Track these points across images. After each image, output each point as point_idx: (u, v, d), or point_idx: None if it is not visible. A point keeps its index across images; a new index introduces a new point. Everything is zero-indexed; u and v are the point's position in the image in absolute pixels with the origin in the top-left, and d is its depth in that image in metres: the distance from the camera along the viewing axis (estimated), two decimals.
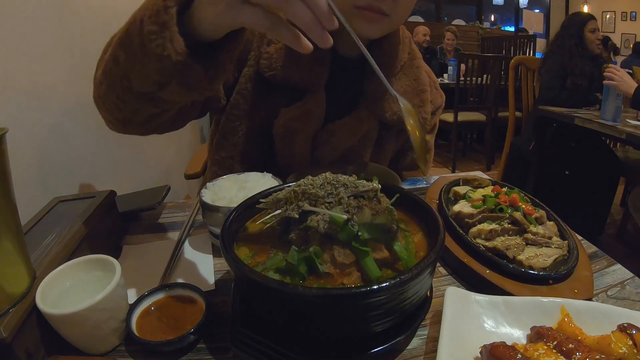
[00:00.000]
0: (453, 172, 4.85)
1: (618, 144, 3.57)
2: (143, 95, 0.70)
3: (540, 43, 6.94)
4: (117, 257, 0.80)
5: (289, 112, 1.01)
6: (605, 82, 2.59)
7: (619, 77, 2.52)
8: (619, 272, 0.79)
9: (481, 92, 4.88)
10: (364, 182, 0.62)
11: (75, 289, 0.63)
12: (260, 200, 0.63)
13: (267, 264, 0.55)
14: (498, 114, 4.80)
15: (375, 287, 0.45)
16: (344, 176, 0.62)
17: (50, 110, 1.07)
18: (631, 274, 0.78)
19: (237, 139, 1.07)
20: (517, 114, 3.84)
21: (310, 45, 0.56)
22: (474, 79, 4.72)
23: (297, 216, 0.57)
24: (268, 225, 0.61)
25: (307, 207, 0.56)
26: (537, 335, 0.56)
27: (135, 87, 0.69)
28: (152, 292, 0.66)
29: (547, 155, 3.19)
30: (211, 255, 0.82)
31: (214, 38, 0.63)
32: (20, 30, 0.95)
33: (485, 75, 4.79)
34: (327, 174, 0.62)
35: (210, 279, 0.75)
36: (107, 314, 0.58)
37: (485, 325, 0.60)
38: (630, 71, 4.45)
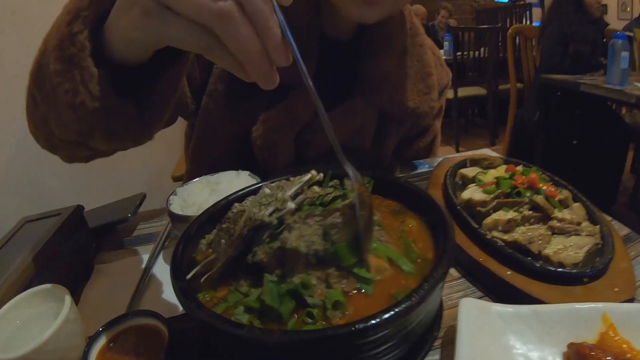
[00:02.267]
0: (457, 150, 4.76)
1: (624, 109, 3.47)
2: (70, 142, 0.58)
3: (537, 12, 6.86)
4: (87, 279, 0.74)
5: (269, 119, 0.87)
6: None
7: None
8: None
9: (479, 65, 4.79)
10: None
11: (27, 327, 0.55)
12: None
13: (229, 300, 0.44)
14: (498, 87, 4.72)
15: (365, 324, 0.34)
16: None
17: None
18: None
19: (213, 149, 0.95)
20: (518, 85, 3.74)
21: (275, 80, 0.42)
22: (471, 52, 4.63)
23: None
24: (207, 275, 0.48)
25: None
26: (577, 355, 0.45)
27: (57, 135, 0.56)
28: (110, 324, 0.55)
29: (553, 125, 3.08)
30: None
31: (140, 62, 0.49)
32: None
33: (482, 48, 4.68)
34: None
35: None
36: (56, 355, 0.50)
37: (511, 344, 0.48)
38: (631, 34, 4.37)
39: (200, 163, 0.98)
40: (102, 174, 0.95)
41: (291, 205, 0.44)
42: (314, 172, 0.52)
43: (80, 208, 0.83)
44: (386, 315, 0.35)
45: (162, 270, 0.74)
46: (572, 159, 3.02)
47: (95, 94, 0.46)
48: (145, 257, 0.77)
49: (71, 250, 0.75)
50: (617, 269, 0.59)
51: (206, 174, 0.82)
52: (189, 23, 0.37)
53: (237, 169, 0.82)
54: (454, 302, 0.53)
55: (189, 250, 0.50)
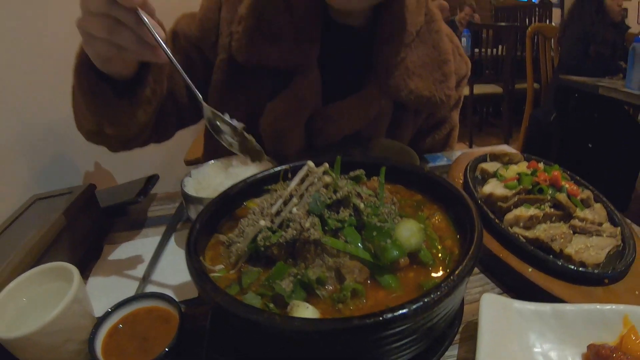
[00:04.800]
0: (470, 147, 4.72)
1: None
2: (92, 132, 0.82)
3: (556, 12, 6.78)
4: (96, 259, 0.74)
5: (275, 107, 0.87)
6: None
7: None
8: None
9: (496, 64, 4.73)
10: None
11: (35, 305, 0.54)
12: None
13: (243, 282, 0.42)
14: (515, 86, 4.66)
15: (393, 314, 0.32)
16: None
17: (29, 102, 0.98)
18: None
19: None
20: (535, 85, 3.70)
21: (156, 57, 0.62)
22: (488, 50, 4.58)
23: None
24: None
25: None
26: (597, 357, 0.43)
27: (101, 118, 0.76)
28: (120, 306, 0.54)
29: (569, 127, 3.06)
30: None
31: (125, 74, 0.71)
32: None
33: (500, 46, 4.64)
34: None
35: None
36: (63, 335, 0.49)
37: (531, 342, 0.47)
38: None
39: (213, 153, 0.97)
40: (115, 155, 0.94)
41: (264, 223, 0.44)
42: (310, 163, 0.51)
43: (92, 187, 0.82)
44: (415, 306, 0.33)
45: (173, 253, 0.73)
46: (587, 161, 2.99)
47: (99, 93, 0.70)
48: (156, 240, 0.76)
49: (81, 229, 0.75)
50: (638, 271, 0.58)
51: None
52: (101, 40, 0.60)
53: None
54: (473, 298, 0.51)
55: (204, 232, 0.49)
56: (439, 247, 0.46)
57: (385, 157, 0.59)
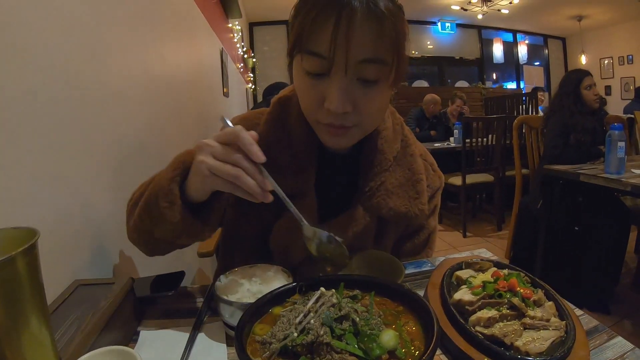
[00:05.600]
0: (464, 235, 4.92)
1: None
2: (164, 242, 0.96)
3: (544, 96, 7.13)
4: (135, 342, 0.87)
5: (280, 226, 1.05)
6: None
7: None
8: (619, 344, 0.80)
9: (487, 152, 4.98)
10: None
11: None
12: None
13: None
14: (505, 173, 4.87)
15: None
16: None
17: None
18: (631, 346, 0.79)
19: (234, 251, 1.15)
20: (525, 171, 3.91)
21: (267, 198, 0.78)
22: (479, 139, 4.83)
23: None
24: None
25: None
26: None
27: (158, 238, 0.93)
28: None
29: (556, 213, 3.22)
30: (224, 345, 0.85)
31: (202, 199, 0.87)
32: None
33: (490, 135, 4.90)
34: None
35: None
36: None
37: None
38: (632, 116, 4.52)
39: (227, 264, 1.13)
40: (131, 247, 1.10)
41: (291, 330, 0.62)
42: (322, 289, 0.71)
43: (131, 280, 0.96)
44: None
45: (203, 342, 0.86)
46: (575, 243, 3.14)
47: (182, 216, 0.85)
48: (184, 330, 0.90)
49: (123, 316, 0.88)
50: (576, 356, 0.73)
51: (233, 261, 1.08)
52: (223, 180, 0.76)
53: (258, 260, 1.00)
54: None
55: (246, 332, 0.67)
56: (411, 347, 0.63)
57: (375, 277, 0.78)
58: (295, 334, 0.61)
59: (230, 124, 0.80)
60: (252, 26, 9.94)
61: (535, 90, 7.08)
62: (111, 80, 1.43)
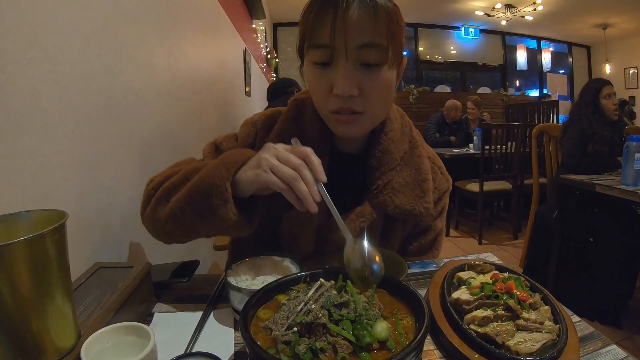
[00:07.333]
0: (479, 242, 4.91)
1: None
2: (200, 234, 0.99)
3: (563, 105, 7.04)
4: (149, 323, 0.92)
5: (291, 217, 1.11)
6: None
7: None
8: (612, 352, 0.82)
9: (506, 160, 4.94)
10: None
11: (114, 349, 0.72)
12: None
13: (278, 348, 0.64)
14: (524, 182, 4.83)
15: None
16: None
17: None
18: (624, 354, 0.81)
19: (247, 241, 1.18)
20: (542, 180, 3.87)
21: (314, 208, 0.82)
22: (498, 146, 4.79)
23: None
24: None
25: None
26: None
27: (200, 233, 0.98)
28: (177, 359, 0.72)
29: (571, 223, 3.21)
30: (232, 329, 0.91)
31: (246, 195, 0.91)
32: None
33: (509, 143, 4.87)
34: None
35: (230, 350, 0.84)
36: None
37: None
38: None
39: (238, 254, 1.19)
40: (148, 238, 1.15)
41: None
42: (322, 279, 0.77)
43: (149, 265, 1.03)
44: None
45: (212, 325, 0.92)
46: (589, 254, 3.10)
47: (235, 214, 0.89)
48: (195, 314, 0.95)
49: (139, 298, 0.94)
50: (565, 359, 0.76)
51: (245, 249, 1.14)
52: (278, 179, 0.81)
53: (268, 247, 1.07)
54: None
55: (251, 316, 0.72)
56: (405, 340, 0.67)
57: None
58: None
59: (299, 144, 0.89)
60: (275, 27, 10.05)
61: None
62: (137, 77, 1.51)
